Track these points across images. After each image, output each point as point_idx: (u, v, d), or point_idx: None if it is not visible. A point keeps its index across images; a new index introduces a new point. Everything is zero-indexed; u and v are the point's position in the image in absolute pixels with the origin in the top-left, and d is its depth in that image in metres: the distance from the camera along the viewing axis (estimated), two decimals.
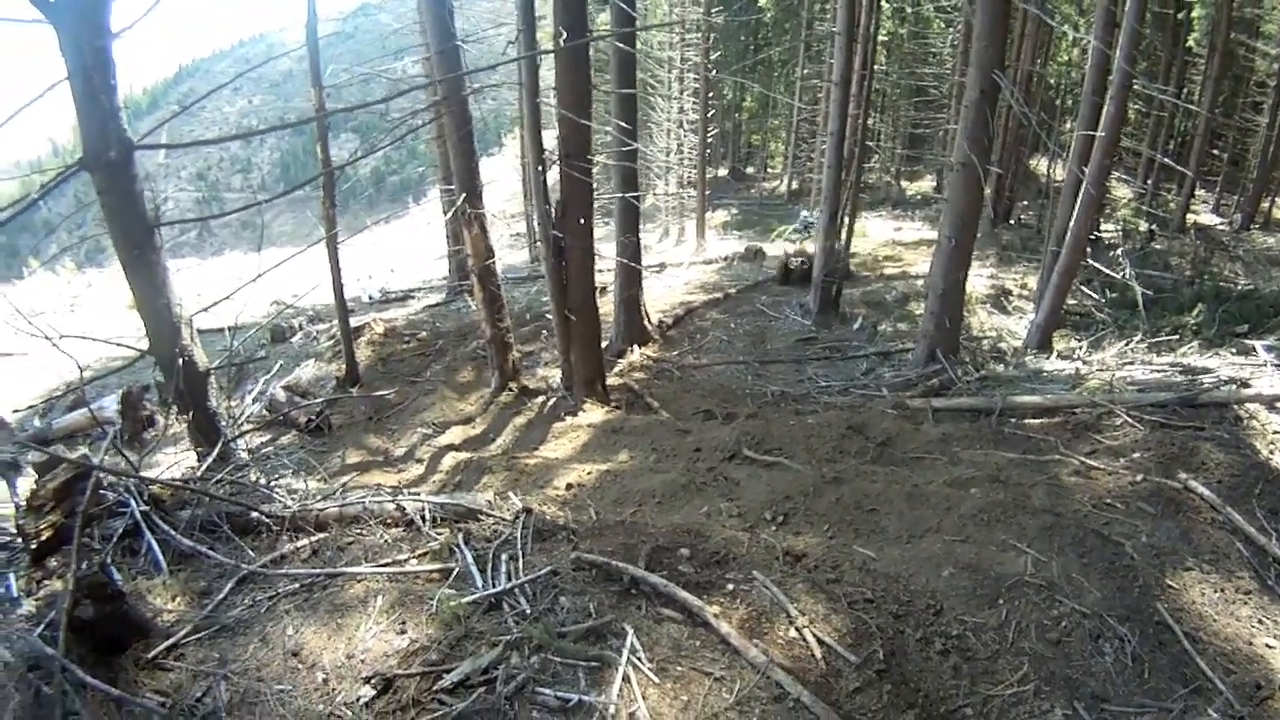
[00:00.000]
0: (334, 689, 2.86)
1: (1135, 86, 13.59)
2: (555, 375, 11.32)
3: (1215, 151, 26.33)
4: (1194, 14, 25.08)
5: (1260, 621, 3.85)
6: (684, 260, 22.28)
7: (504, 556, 3.70)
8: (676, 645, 3.05)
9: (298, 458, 7.66)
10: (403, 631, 3.13)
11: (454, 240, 16.90)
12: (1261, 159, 23.84)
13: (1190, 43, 25.89)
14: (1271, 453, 5.41)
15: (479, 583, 3.46)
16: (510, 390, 10.78)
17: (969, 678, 3.20)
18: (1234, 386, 6.61)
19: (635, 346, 13.15)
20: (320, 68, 9.56)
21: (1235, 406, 6.21)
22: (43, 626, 3.04)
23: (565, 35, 8.28)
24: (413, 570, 3.65)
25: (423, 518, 4.25)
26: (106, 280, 23.75)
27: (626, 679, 2.80)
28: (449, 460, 8.80)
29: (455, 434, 9.89)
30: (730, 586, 3.54)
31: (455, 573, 3.57)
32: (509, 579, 3.48)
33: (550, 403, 10.35)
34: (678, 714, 2.72)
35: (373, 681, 2.84)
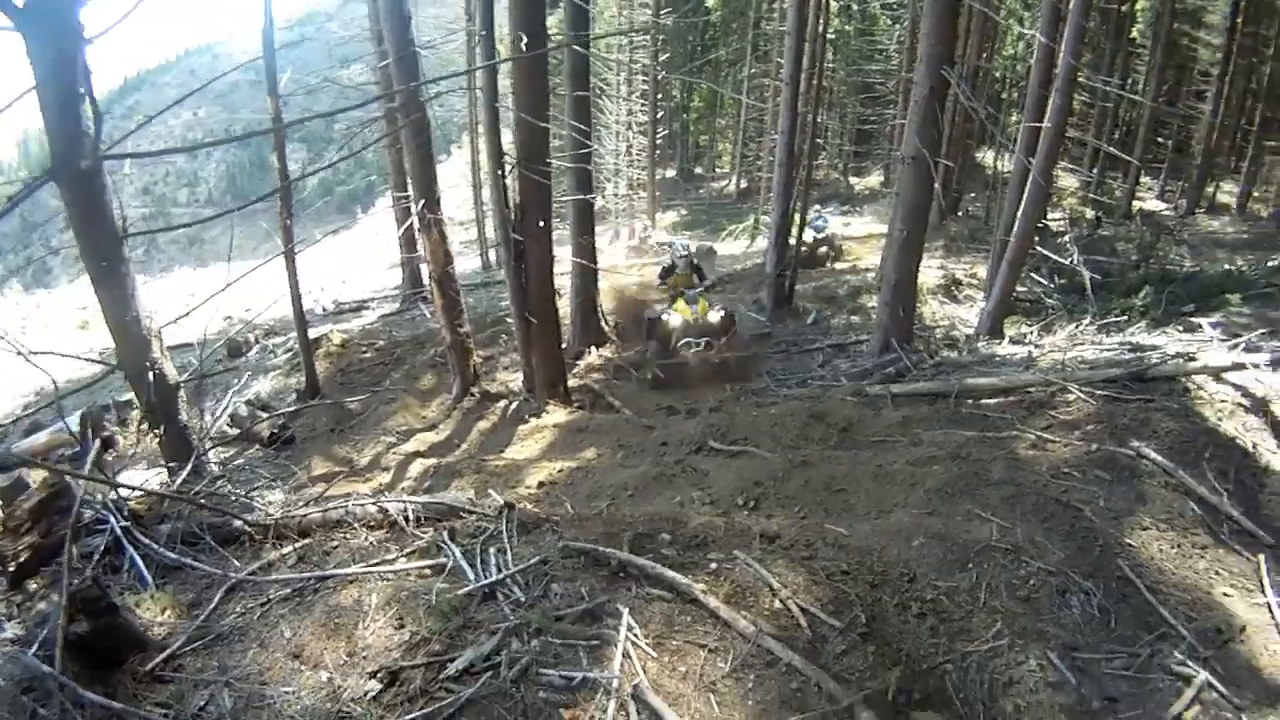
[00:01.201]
0: (340, 686, 2.91)
1: (1080, 79, 13.92)
2: (516, 379, 11.38)
3: (1160, 139, 27.19)
4: (1138, 5, 25.97)
5: (1217, 573, 4.09)
6: (635, 263, 22.41)
7: (492, 550, 3.76)
8: (669, 621, 3.17)
9: (266, 470, 7.65)
10: (401, 626, 3.20)
11: (407, 248, 16.83)
12: (1205, 145, 24.92)
13: (1134, 33, 26.74)
14: (1220, 419, 5.68)
15: (471, 575, 3.52)
16: (472, 395, 10.82)
17: (946, 636, 3.38)
18: (1181, 360, 6.89)
19: (593, 348, 13.26)
20: (276, 78, 9.49)
21: (1183, 379, 6.48)
22: (36, 646, 3.04)
23: (525, 40, 8.37)
24: (403, 568, 3.70)
25: (405, 518, 4.29)
26: (55, 302, 23.30)
27: (626, 654, 2.91)
28: (416, 467, 8.84)
29: (420, 440, 9.91)
30: (713, 565, 3.66)
31: (447, 568, 3.64)
32: (499, 570, 3.55)
33: (513, 406, 10.40)
34: (678, 684, 2.85)
35: (378, 675, 2.89)
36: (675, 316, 11.54)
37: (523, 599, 3.31)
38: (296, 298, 10.66)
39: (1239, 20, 23.98)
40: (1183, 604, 3.78)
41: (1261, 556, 4.25)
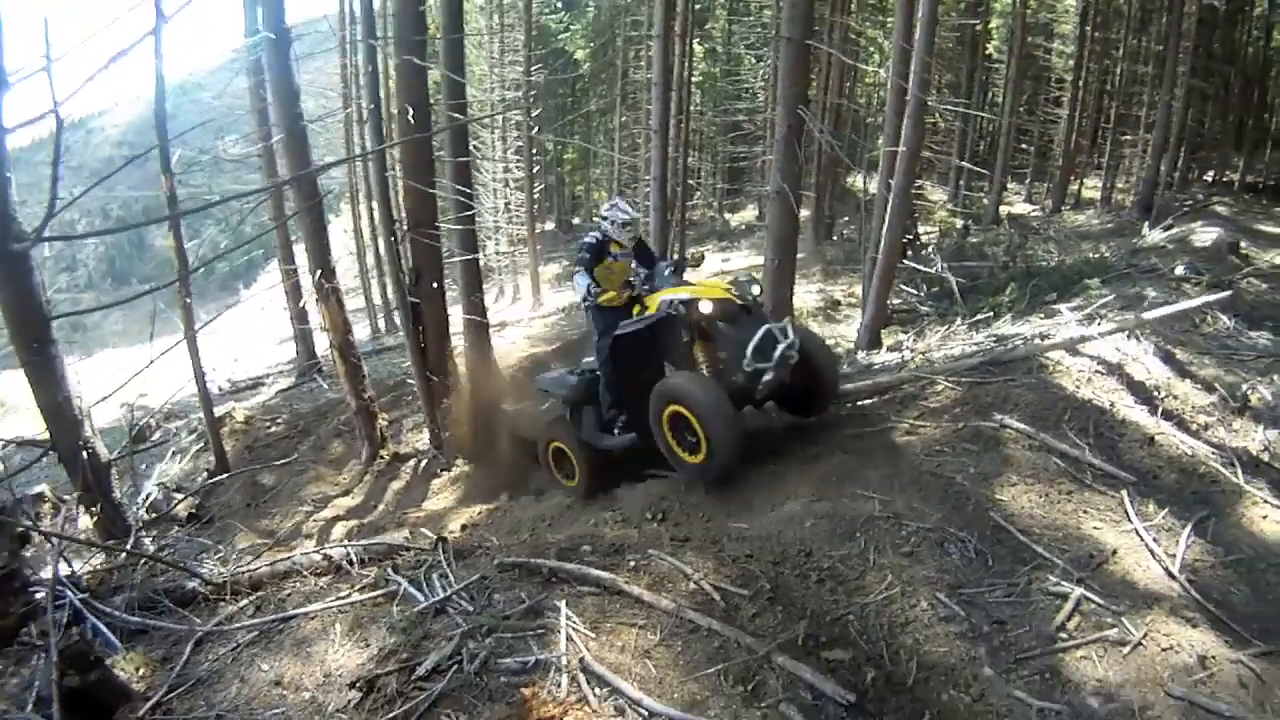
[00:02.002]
0: (323, 701, 3.30)
1: (934, 102, 14.90)
2: (422, 438, 11.65)
3: (1023, 146, 28.95)
4: (992, 24, 27.83)
5: (1085, 511, 4.81)
6: (523, 317, 22.83)
7: (434, 576, 4.18)
8: (601, 609, 3.69)
9: (192, 546, 7.79)
10: (367, 645, 3.61)
11: (299, 321, 16.90)
12: (1065, 147, 26.73)
13: (990, 50, 28.64)
14: (1078, 386, 6.50)
15: (420, 597, 3.94)
16: (382, 458, 11.03)
17: (844, 594, 3.99)
18: (1037, 340, 7.75)
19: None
20: (170, 155, 9.49)
21: (1039, 357, 7.26)
22: (31, 705, 3.31)
23: (412, 113, 8.82)
24: (358, 599, 4.10)
25: (349, 561, 4.70)
26: None
27: (569, 638, 3.41)
28: (338, 530, 9.05)
29: (337, 506, 10.07)
30: (632, 563, 4.21)
31: (397, 595, 4.04)
32: (445, 590, 3.97)
33: (423, 464, 10.69)
34: (617, 655, 3.37)
35: (357, 685, 3.29)
36: (703, 301, 6.21)
37: (471, 609, 3.77)
38: (200, 378, 10.70)
39: (1088, 28, 25.97)
40: (1055, 540, 4.49)
41: (1124, 492, 5.01)
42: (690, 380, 5.94)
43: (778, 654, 3.39)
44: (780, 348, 5.88)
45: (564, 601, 3.67)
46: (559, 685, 3.16)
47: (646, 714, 3.03)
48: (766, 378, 5.90)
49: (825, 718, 3.14)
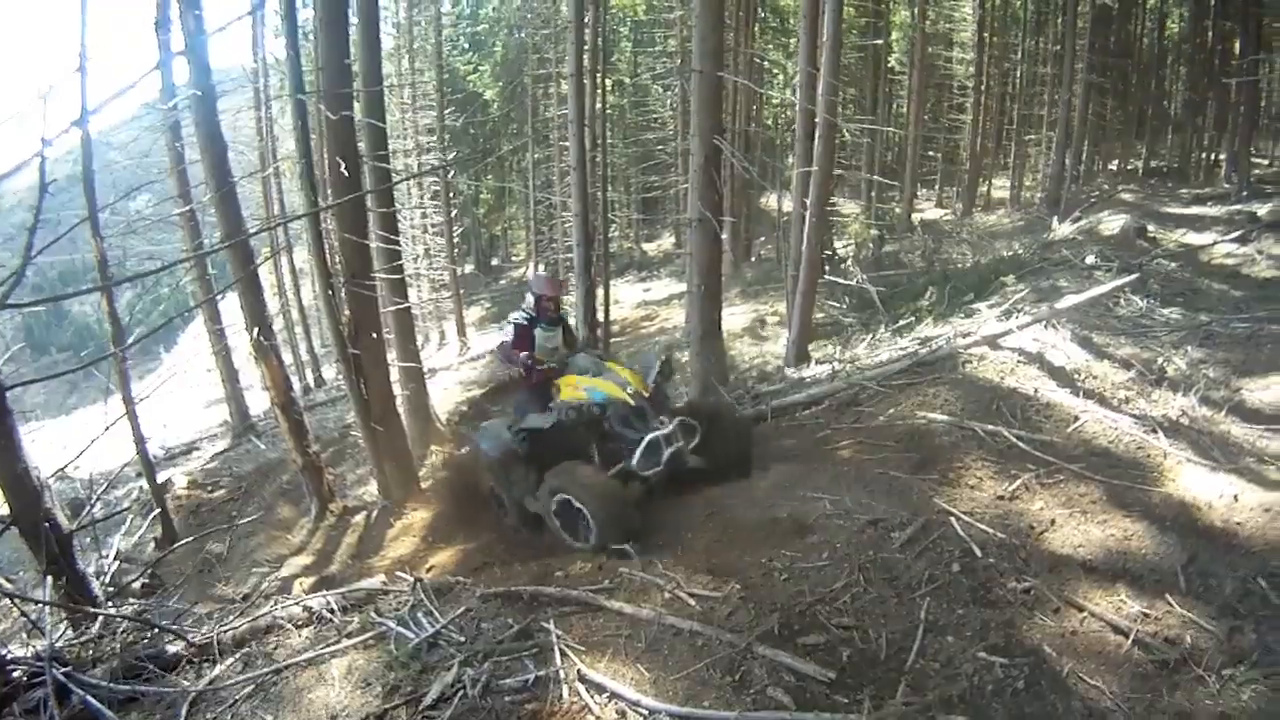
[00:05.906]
0: None
1: (840, 122, 15.38)
2: (369, 490, 11.64)
3: (930, 153, 29.54)
4: (893, 37, 28.58)
5: (1020, 488, 5.29)
6: (452, 362, 22.80)
7: (419, 613, 4.32)
8: (588, 626, 3.92)
9: (168, 610, 7.72)
10: (368, 685, 3.73)
11: (231, 381, 16.74)
12: (971, 151, 27.63)
13: (893, 62, 29.47)
14: (1001, 378, 7.01)
15: (410, 634, 4.07)
16: (331, 513, 10.99)
17: (809, 587, 4.29)
18: (960, 339, 8.23)
19: (432, 448, 13.63)
20: (98, 217, 9.24)
21: (964, 354, 7.77)
22: None
23: (344, 165, 8.90)
24: (348, 644, 4.21)
25: (330, 610, 4.80)
26: None
27: (563, 654, 3.63)
28: (298, 588, 9.04)
29: (293, 565, 10.01)
30: (606, 583, 4.45)
31: (387, 636, 4.16)
32: (432, 626, 4.12)
33: (375, 514, 10.69)
34: (609, 664, 3.60)
35: None
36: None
37: (462, 639, 3.94)
38: (142, 445, 10.62)
39: (987, 34, 26.97)
40: (996, 516, 4.90)
41: (1055, 467, 5.48)
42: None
43: (758, 645, 3.66)
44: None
45: (552, 622, 3.89)
46: (561, 698, 3.37)
47: (647, 713, 3.27)
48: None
49: (810, 695, 3.41)
